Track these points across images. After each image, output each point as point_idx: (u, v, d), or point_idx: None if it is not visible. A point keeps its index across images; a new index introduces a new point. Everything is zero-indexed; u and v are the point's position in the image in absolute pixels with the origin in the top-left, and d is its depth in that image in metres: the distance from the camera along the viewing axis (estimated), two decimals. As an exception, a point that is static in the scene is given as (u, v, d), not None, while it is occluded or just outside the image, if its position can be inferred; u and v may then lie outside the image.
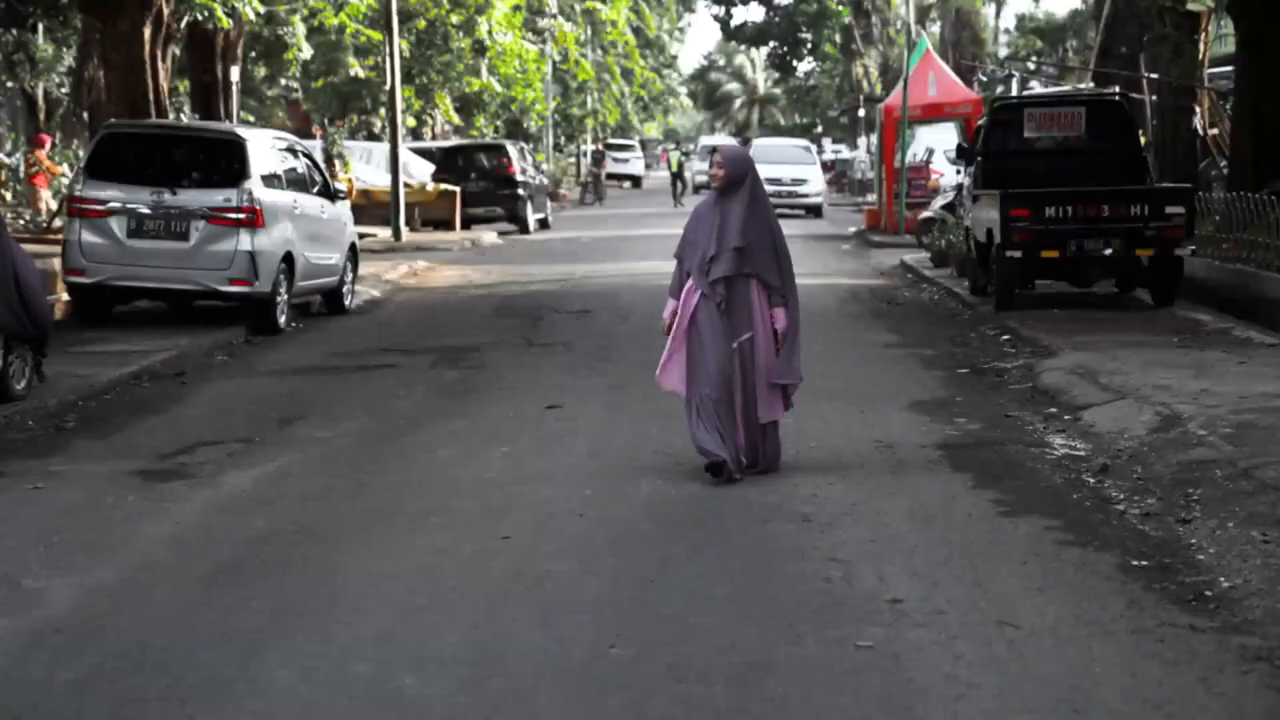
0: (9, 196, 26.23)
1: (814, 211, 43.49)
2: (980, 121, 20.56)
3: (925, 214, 26.53)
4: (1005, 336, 15.20)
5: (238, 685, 5.47)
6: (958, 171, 25.35)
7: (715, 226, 8.72)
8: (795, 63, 75.69)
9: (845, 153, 67.55)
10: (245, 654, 5.79)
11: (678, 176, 51.00)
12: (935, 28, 59.08)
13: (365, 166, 34.03)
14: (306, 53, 33.52)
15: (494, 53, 38.46)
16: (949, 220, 23.70)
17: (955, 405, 11.45)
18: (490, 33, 37.86)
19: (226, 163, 15.94)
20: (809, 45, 73.07)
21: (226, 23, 24.83)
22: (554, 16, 43.97)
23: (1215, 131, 23.04)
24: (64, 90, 35.69)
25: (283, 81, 38.59)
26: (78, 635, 6.04)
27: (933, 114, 33.07)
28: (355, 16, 34.16)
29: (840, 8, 66.81)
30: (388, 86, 30.51)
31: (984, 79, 56.41)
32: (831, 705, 5.26)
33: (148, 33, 21.58)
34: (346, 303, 18.52)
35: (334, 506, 8.24)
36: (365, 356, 14.49)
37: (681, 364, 8.80)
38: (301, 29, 32.35)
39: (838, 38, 69.53)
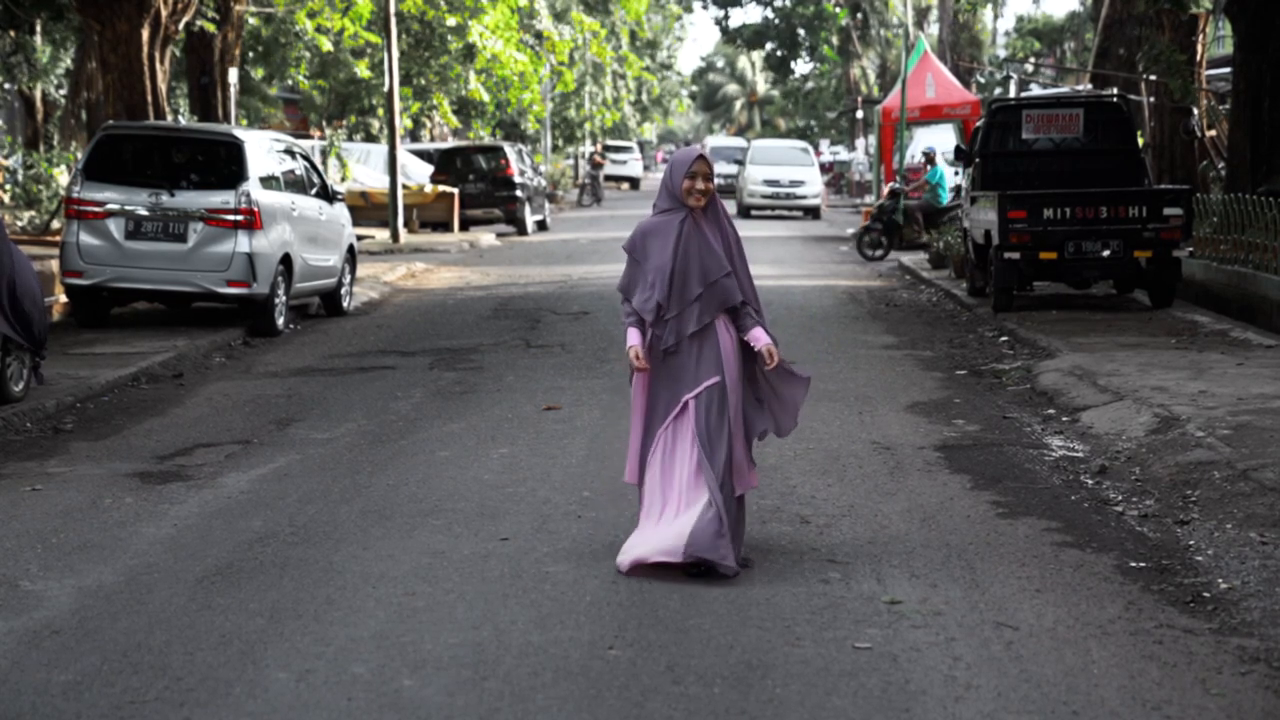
0: (7, 198, 26.23)
1: (812, 213, 43.52)
2: (978, 123, 20.56)
3: (923, 216, 26.54)
4: (1003, 338, 15.21)
5: (236, 687, 5.47)
6: (956, 173, 25.38)
7: (695, 255, 6.80)
8: (793, 64, 75.80)
9: (843, 154, 67.60)
10: (243, 655, 5.79)
11: None
12: (933, 29, 59.08)
13: (363, 168, 34.04)
14: (326, 45, 33.54)
15: (484, 60, 38.48)
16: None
17: (953, 407, 11.46)
18: (481, 38, 37.87)
19: (224, 164, 15.95)
20: (807, 47, 73.16)
21: (211, 27, 24.83)
22: (537, 22, 43.96)
23: (1213, 133, 23.05)
24: (62, 92, 35.69)
25: (289, 80, 38.59)
26: (76, 637, 6.04)
27: (931, 115, 33.12)
28: (357, 19, 34.21)
29: (838, 10, 66.85)
30: (386, 88, 30.52)
31: (982, 80, 56.42)
32: (829, 706, 5.26)
33: (146, 34, 21.59)
34: (345, 304, 18.53)
35: (332, 508, 8.24)
36: (363, 358, 14.49)
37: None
38: (309, 24, 32.39)
39: (835, 39, 69.58)
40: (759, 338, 6.87)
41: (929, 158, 28.22)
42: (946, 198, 27.60)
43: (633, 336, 6.89)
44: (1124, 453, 9.43)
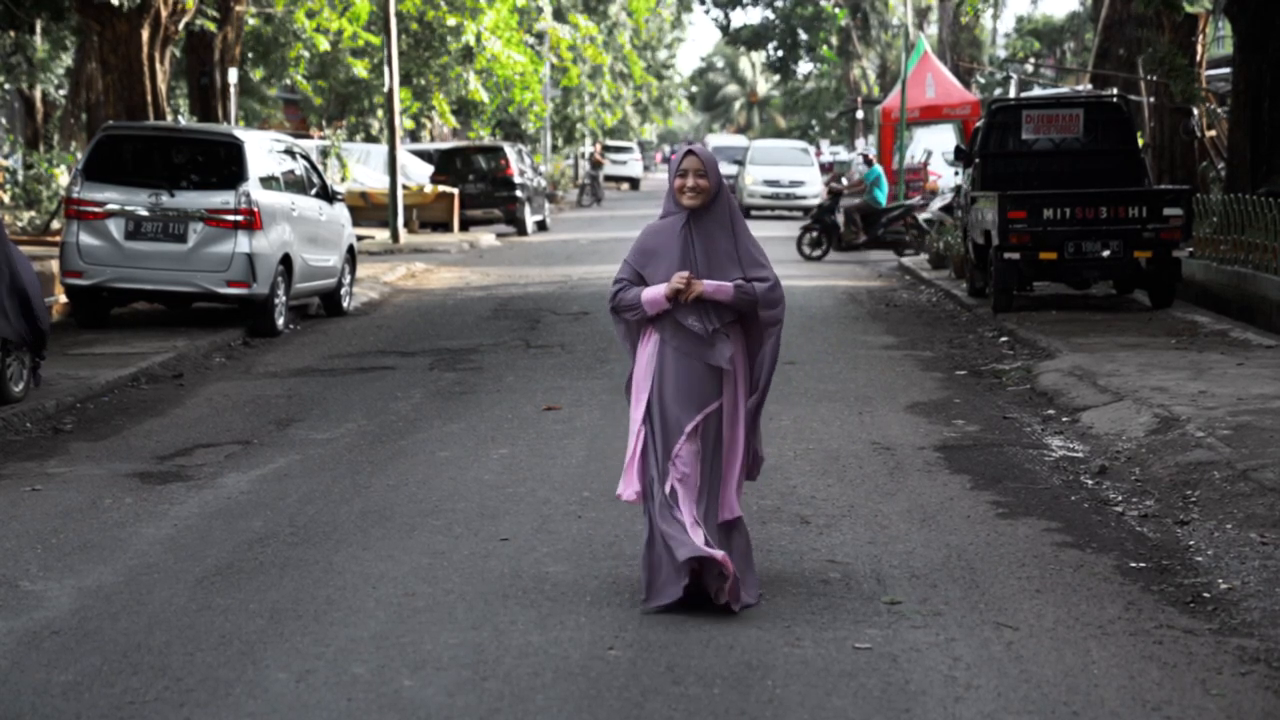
0: (8, 198, 26.23)
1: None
2: (978, 123, 20.57)
3: (923, 216, 26.58)
4: (1003, 338, 15.21)
5: (236, 687, 5.47)
6: (956, 173, 25.38)
7: (699, 260, 6.39)
8: (793, 65, 75.82)
9: (843, 154, 67.60)
10: (243, 655, 5.79)
11: None
12: (933, 29, 59.09)
13: (363, 168, 34.06)
14: (324, 45, 33.59)
15: (482, 60, 38.48)
16: (947, 222, 23.74)
17: (953, 407, 11.45)
18: (479, 39, 37.86)
19: (224, 165, 15.95)
20: (807, 48, 73.19)
21: (212, 26, 24.86)
22: (538, 22, 44.02)
23: (1213, 133, 23.04)
24: (62, 92, 35.69)
25: (288, 81, 38.62)
26: (75, 637, 6.04)
27: (931, 115, 33.10)
28: (355, 19, 34.25)
29: (837, 10, 66.84)
30: (385, 89, 30.52)
31: (982, 81, 56.40)
32: (829, 707, 5.26)
33: (146, 35, 21.61)
34: (344, 304, 18.53)
35: (332, 508, 8.24)
36: (363, 358, 14.49)
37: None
38: (308, 23, 32.42)
39: (835, 40, 69.57)
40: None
41: (867, 159, 28.37)
42: (884, 199, 27.71)
43: (649, 291, 6.39)
44: (1124, 453, 9.43)
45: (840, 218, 27.45)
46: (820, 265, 25.98)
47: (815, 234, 27.33)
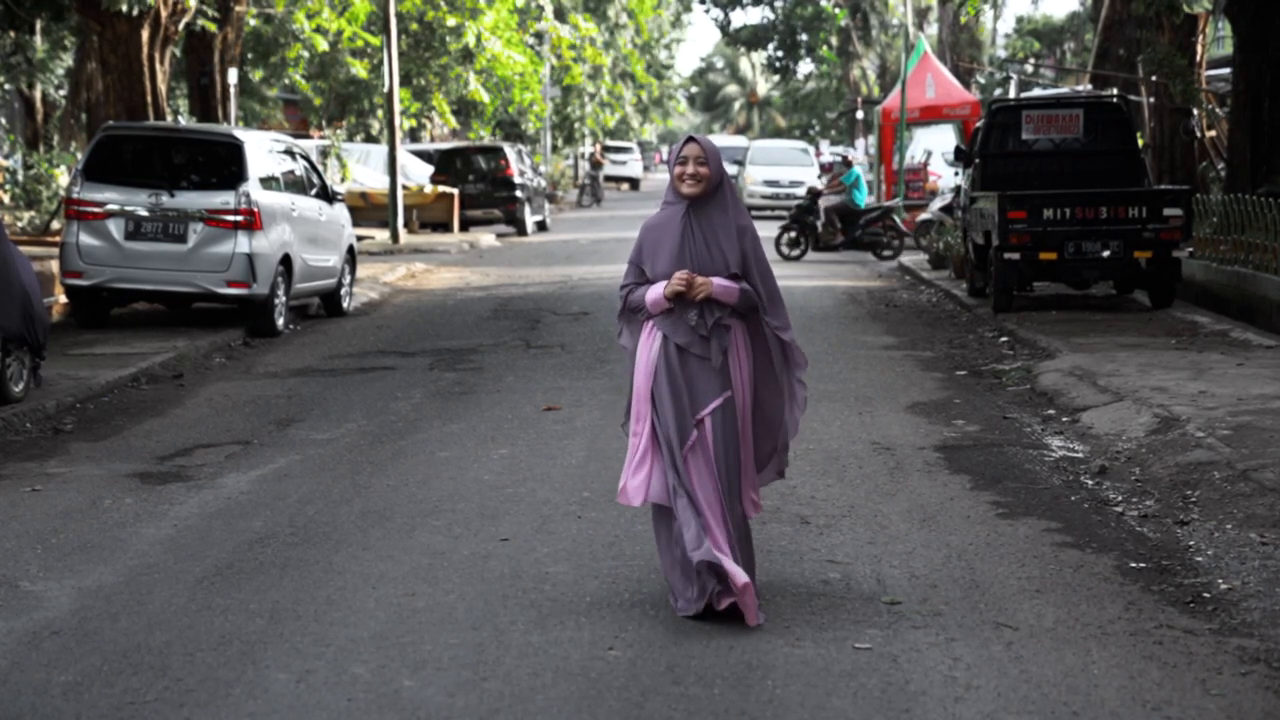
0: (7, 198, 26.22)
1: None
2: (978, 123, 20.56)
3: (923, 216, 26.59)
4: (1003, 338, 15.21)
5: (236, 687, 5.47)
6: (956, 173, 25.37)
7: (699, 248, 6.25)
8: (793, 65, 75.88)
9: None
10: (243, 656, 5.79)
11: None
12: (933, 29, 59.10)
13: (363, 168, 34.07)
14: (322, 45, 33.60)
15: (482, 60, 38.50)
16: (947, 222, 23.75)
17: (953, 407, 11.46)
18: (479, 39, 37.87)
19: (224, 165, 15.95)
20: (807, 48, 73.25)
21: (212, 26, 24.86)
22: (538, 22, 44.03)
23: (1213, 133, 23.04)
24: (62, 92, 35.69)
25: (286, 81, 38.63)
26: (75, 637, 6.04)
27: (931, 116, 33.11)
28: (354, 20, 34.25)
29: (837, 10, 66.87)
30: (385, 89, 30.53)
31: (982, 81, 56.40)
32: (829, 707, 5.26)
33: (146, 35, 21.61)
34: (344, 305, 18.53)
35: (332, 508, 8.24)
36: (363, 358, 14.49)
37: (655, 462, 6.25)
38: (307, 25, 32.39)
39: (834, 40, 69.61)
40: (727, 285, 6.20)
41: (845, 160, 28.42)
42: (863, 200, 27.75)
43: (651, 291, 6.23)
44: (1124, 453, 9.43)
45: (820, 218, 27.50)
46: (821, 265, 25.96)
47: (794, 234, 27.39)
